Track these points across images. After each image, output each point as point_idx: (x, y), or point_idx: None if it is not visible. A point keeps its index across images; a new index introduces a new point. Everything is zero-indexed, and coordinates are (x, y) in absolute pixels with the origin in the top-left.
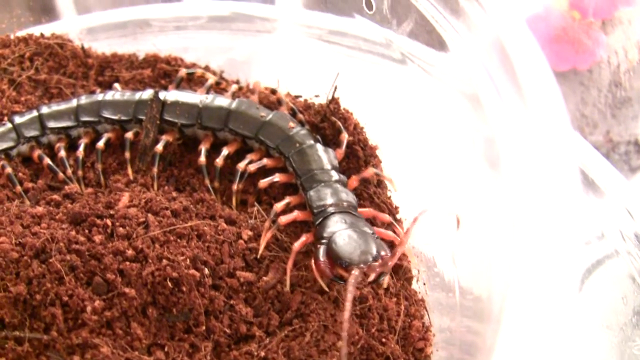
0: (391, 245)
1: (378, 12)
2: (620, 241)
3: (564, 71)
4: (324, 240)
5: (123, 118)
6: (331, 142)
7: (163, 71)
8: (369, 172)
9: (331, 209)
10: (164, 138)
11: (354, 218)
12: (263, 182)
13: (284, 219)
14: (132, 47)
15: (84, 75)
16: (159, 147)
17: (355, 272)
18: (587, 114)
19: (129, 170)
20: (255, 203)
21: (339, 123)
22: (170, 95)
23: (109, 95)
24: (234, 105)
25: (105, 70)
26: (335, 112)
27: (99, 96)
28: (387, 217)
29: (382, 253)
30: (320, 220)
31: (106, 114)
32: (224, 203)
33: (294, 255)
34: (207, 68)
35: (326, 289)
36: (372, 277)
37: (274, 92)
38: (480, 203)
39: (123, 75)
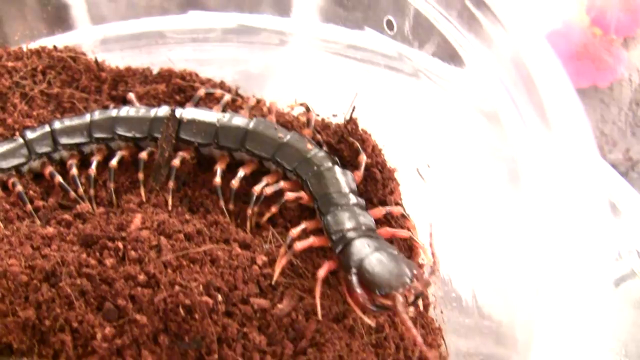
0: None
1: (399, 33)
2: (637, 261)
3: (583, 88)
4: (353, 270)
5: (137, 135)
6: (349, 163)
7: (178, 86)
8: (397, 210)
9: (350, 234)
10: (180, 155)
11: (376, 241)
12: (290, 195)
13: (299, 245)
14: (146, 59)
15: (97, 89)
16: (176, 161)
17: (399, 297)
18: (606, 132)
19: (142, 192)
20: (271, 227)
21: (357, 144)
22: (187, 113)
23: (123, 112)
24: (251, 125)
25: (119, 85)
26: (353, 133)
27: (113, 112)
28: (406, 233)
29: (415, 271)
30: (341, 247)
31: (120, 131)
32: (238, 225)
33: (320, 283)
34: (222, 84)
35: (367, 320)
36: (411, 298)
37: (308, 109)
38: (501, 224)
39: (137, 90)
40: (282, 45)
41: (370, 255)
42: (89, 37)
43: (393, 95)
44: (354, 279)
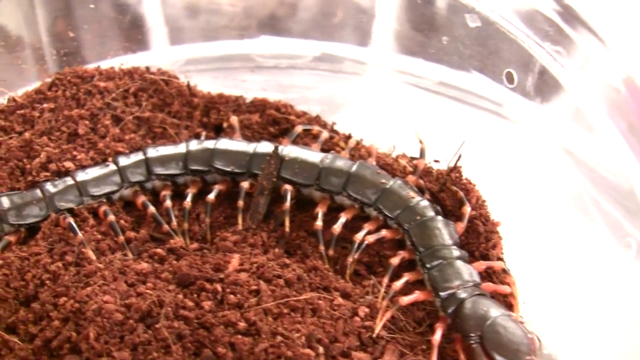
0: None
1: (519, 87)
2: None
3: None
4: (475, 338)
5: (236, 170)
6: (450, 213)
7: (272, 118)
8: (499, 265)
9: (460, 293)
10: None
11: (487, 300)
12: (394, 260)
13: (405, 300)
14: (230, 82)
15: (188, 115)
16: (288, 186)
17: None
18: None
19: (239, 220)
20: (373, 277)
21: (461, 194)
22: (289, 151)
23: (221, 144)
24: (354, 168)
25: (211, 112)
26: (457, 182)
27: (210, 143)
28: (506, 289)
29: (530, 335)
30: (453, 308)
31: (218, 165)
32: (336, 272)
33: (437, 350)
34: (317, 118)
35: None
36: None
37: (422, 154)
38: (617, 297)
39: (229, 118)
40: (366, 76)
41: (491, 320)
42: (171, 57)
43: (493, 141)
44: (477, 348)
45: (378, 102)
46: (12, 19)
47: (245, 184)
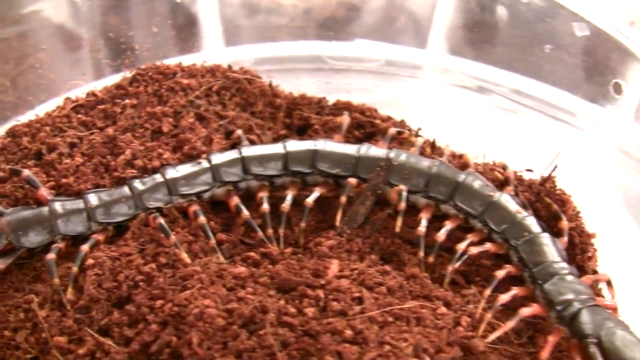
0: None
1: (627, 99)
2: None
3: None
4: (593, 339)
5: (341, 173)
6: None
7: (357, 121)
8: (604, 277)
9: (576, 305)
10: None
11: (604, 311)
12: (500, 273)
13: (527, 311)
14: (310, 83)
15: (271, 115)
16: (405, 187)
17: None
18: None
19: (338, 217)
20: (473, 287)
21: (556, 207)
22: (397, 155)
23: (324, 145)
24: (462, 177)
25: (293, 113)
26: (551, 192)
27: (310, 144)
28: (613, 304)
29: None
30: (569, 319)
31: (323, 167)
32: (433, 280)
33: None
34: (402, 123)
35: None
36: None
37: (504, 168)
38: None
39: (312, 121)
40: (436, 80)
41: (611, 329)
42: (234, 56)
43: (582, 151)
44: (594, 350)
45: (452, 107)
46: (78, 16)
47: (352, 180)
